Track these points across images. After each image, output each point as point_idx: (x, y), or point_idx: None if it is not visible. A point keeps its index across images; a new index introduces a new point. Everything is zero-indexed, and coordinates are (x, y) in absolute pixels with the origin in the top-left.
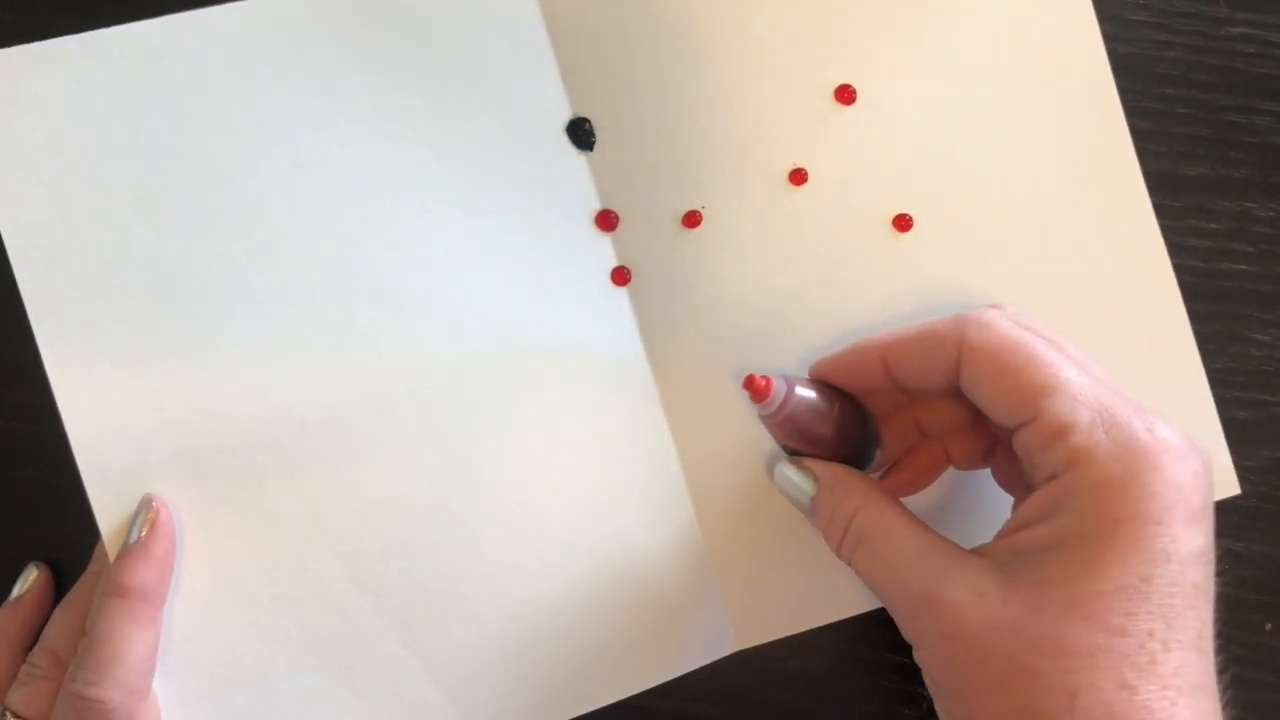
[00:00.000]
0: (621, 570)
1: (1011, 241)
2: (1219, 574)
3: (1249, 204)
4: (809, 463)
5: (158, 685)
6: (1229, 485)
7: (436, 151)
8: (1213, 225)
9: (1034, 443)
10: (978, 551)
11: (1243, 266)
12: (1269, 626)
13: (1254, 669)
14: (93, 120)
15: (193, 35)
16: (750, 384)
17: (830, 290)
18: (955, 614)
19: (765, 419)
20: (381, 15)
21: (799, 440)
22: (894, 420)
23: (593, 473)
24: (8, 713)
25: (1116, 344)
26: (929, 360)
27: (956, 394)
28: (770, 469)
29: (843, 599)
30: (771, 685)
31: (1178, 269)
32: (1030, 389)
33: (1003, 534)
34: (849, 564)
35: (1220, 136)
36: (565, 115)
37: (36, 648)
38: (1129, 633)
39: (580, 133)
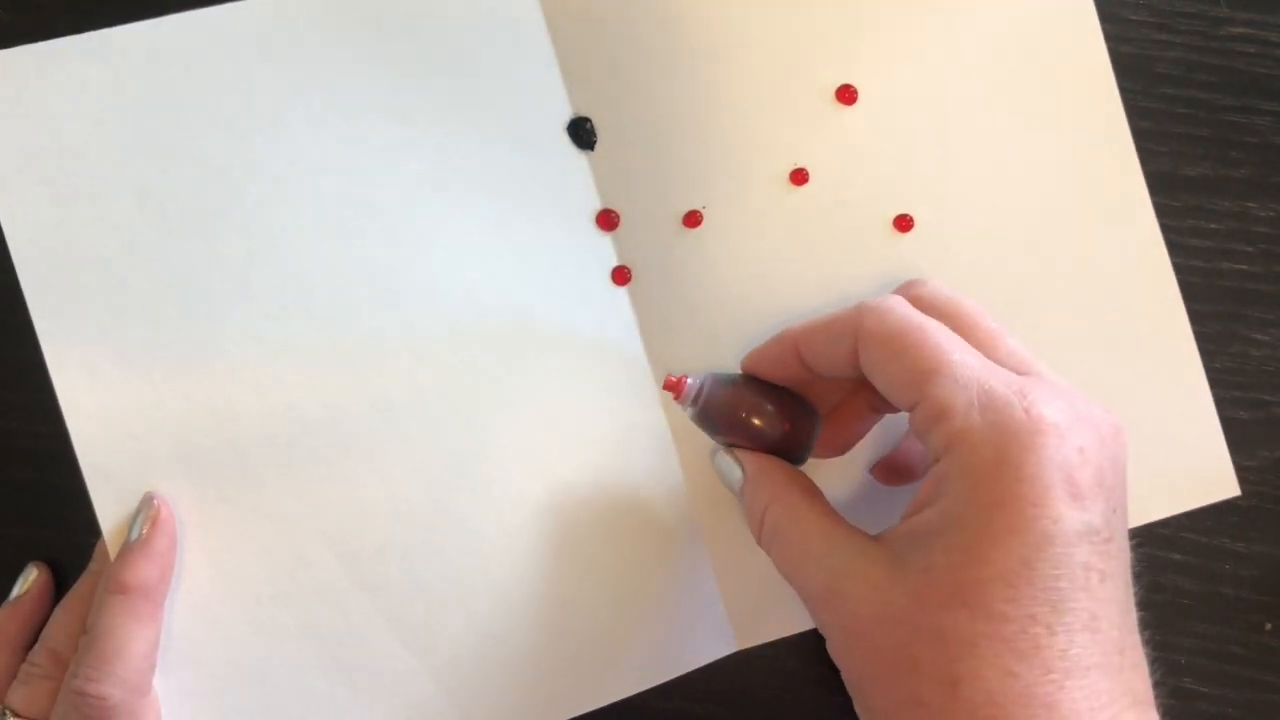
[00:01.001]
0: (621, 570)
1: (1012, 242)
2: (1218, 572)
3: (1249, 204)
4: (739, 453)
5: (158, 683)
6: (1229, 486)
7: (437, 151)
8: (1213, 225)
9: (920, 427)
10: (880, 538)
11: (1243, 266)
12: (1269, 626)
13: (1254, 669)
14: (94, 120)
15: (193, 35)
16: (667, 384)
17: (831, 290)
18: (851, 607)
19: (690, 417)
20: (382, 15)
21: (728, 433)
22: (848, 405)
23: (592, 472)
24: (8, 712)
25: (1117, 344)
26: (832, 349)
27: None
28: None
29: None
30: (771, 685)
31: (1178, 269)
32: (916, 373)
33: (903, 517)
34: (769, 555)
35: (1220, 136)
36: (566, 115)
37: (37, 646)
38: (1011, 618)
39: (581, 132)
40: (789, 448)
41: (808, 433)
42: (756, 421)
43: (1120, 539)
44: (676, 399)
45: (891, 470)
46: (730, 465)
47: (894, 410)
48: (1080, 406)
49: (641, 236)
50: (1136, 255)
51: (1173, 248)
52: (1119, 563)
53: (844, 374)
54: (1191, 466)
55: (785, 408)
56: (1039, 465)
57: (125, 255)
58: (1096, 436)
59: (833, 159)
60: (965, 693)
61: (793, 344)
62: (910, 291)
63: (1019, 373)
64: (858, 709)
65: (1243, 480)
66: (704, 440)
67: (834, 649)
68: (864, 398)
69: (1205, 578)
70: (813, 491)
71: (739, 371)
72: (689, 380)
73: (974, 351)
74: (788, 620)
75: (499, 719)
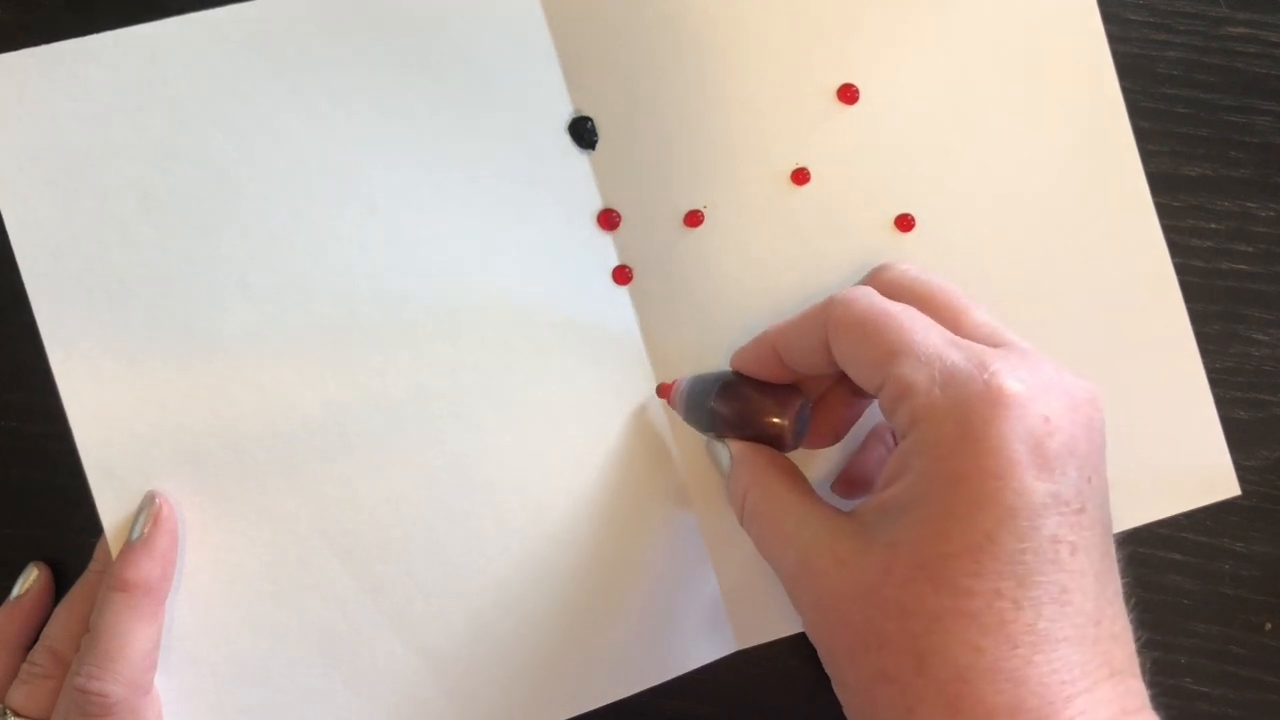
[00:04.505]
0: (621, 569)
1: (1013, 241)
2: (1218, 572)
3: (1249, 204)
4: (728, 440)
5: (159, 681)
6: (1229, 486)
7: (437, 151)
8: (1213, 225)
9: (886, 407)
10: (852, 513)
11: (1243, 266)
12: (1269, 626)
13: (1254, 669)
14: (96, 122)
15: (194, 37)
16: (660, 390)
17: (832, 290)
18: (820, 583)
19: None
20: (382, 14)
21: (719, 429)
22: (834, 394)
23: (593, 472)
24: (9, 711)
25: (1117, 344)
26: (805, 345)
27: None
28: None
29: None
30: (771, 685)
31: (1178, 269)
32: (880, 355)
33: (874, 492)
34: (750, 537)
35: (1220, 136)
36: (567, 114)
37: (37, 646)
38: (976, 593)
39: (582, 131)
40: (776, 436)
41: (794, 420)
42: (740, 416)
43: (1095, 508)
44: (670, 404)
45: (849, 483)
46: (714, 450)
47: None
48: (1047, 374)
49: (642, 236)
50: (1138, 255)
51: (1173, 248)
52: (1093, 533)
53: (820, 369)
54: (1192, 466)
55: (769, 399)
56: (1000, 437)
57: (127, 255)
58: (1067, 403)
59: (834, 158)
60: (932, 668)
61: (770, 344)
62: (879, 277)
63: (990, 344)
64: (834, 685)
65: (1243, 480)
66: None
67: (807, 626)
68: (848, 385)
69: (1205, 578)
70: (792, 473)
71: (728, 368)
72: (678, 384)
73: (938, 328)
74: (788, 619)
75: (499, 718)
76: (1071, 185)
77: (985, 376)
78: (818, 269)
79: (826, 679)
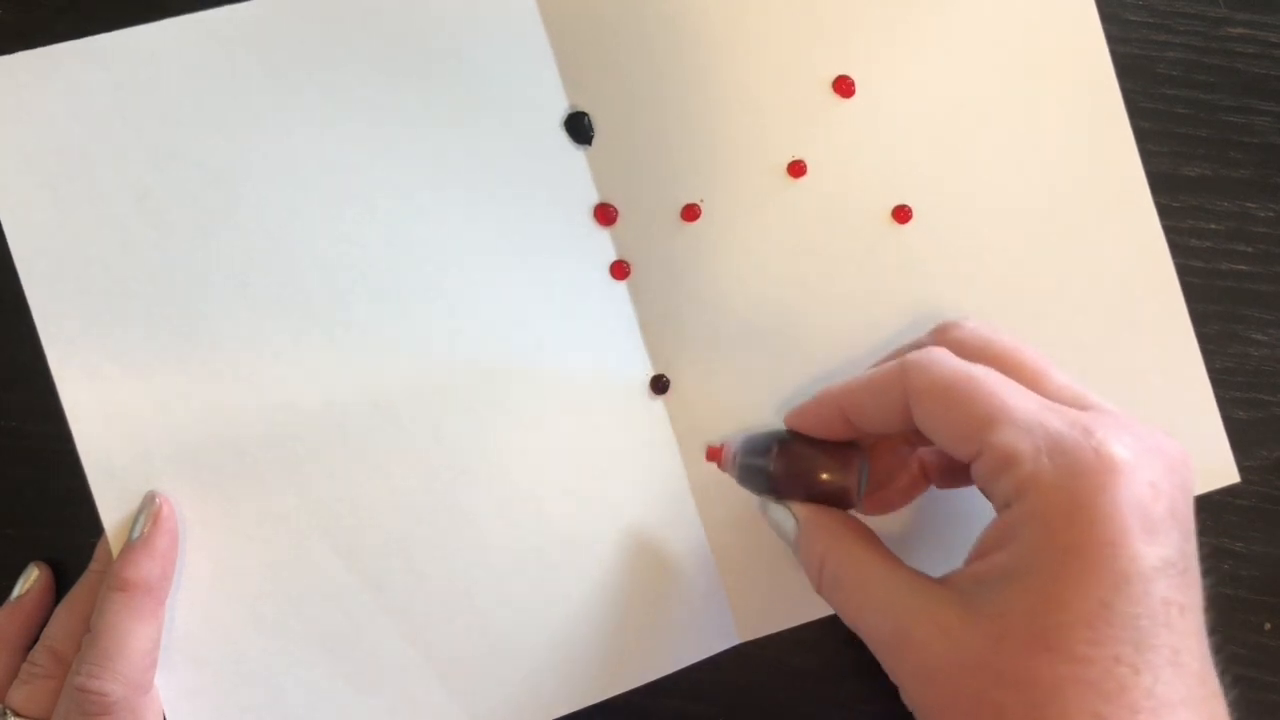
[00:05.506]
0: (623, 563)
1: (1012, 236)
2: (1218, 572)
3: (1249, 204)
4: (791, 503)
5: (160, 680)
6: (1228, 475)
7: (434, 148)
8: (1213, 225)
9: (984, 474)
10: (945, 581)
11: (1243, 266)
12: (1269, 626)
13: (1254, 669)
14: (94, 123)
15: (191, 38)
16: (709, 454)
17: (830, 283)
18: (923, 654)
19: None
20: (379, 13)
21: (780, 491)
22: (882, 445)
23: (593, 467)
24: (9, 711)
25: (1117, 344)
26: (880, 408)
27: None
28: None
29: None
30: (771, 684)
31: (1178, 269)
32: (974, 423)
33: (968, 561)
34: (830, 604)
35: (1220, 136)
36: (563, 109)
37: (37, 646)
38: (1094, 661)
39: (578, 127)
40: (840, 495)
41: (856, 479)
42: (801, 476)
43: (1194, 568)
44: (721, 467)
45: (872, 504)
46: (784, 516)
47: (926, 443)
48: (1146, 438)
49: (640, 231)
50: (1138, 254)
51: (1173, 248)
52: (1195, 592)
53: (894, 430)
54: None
55: (829, 458)
56: (1113, 505)
57: (126, 256)
58: (1166, 467)
59: (831, 151)
60: None
61: (835, 404)
62: (947, 336)
63: (1075, 407)
64: None
65: (1242, 481)
66: (706, 433)
67: (907, 696)
68: (899, 439)
69: (1205, 577)
70: (869, 536)
71: (780, 427)
72: (727, 445)
73: (1030, 393)
74: (789, 612)
75: (501, 713)
76: (1071, 185)
77: (1093, 444)
78: (815, 261)
79: (827, 678)
